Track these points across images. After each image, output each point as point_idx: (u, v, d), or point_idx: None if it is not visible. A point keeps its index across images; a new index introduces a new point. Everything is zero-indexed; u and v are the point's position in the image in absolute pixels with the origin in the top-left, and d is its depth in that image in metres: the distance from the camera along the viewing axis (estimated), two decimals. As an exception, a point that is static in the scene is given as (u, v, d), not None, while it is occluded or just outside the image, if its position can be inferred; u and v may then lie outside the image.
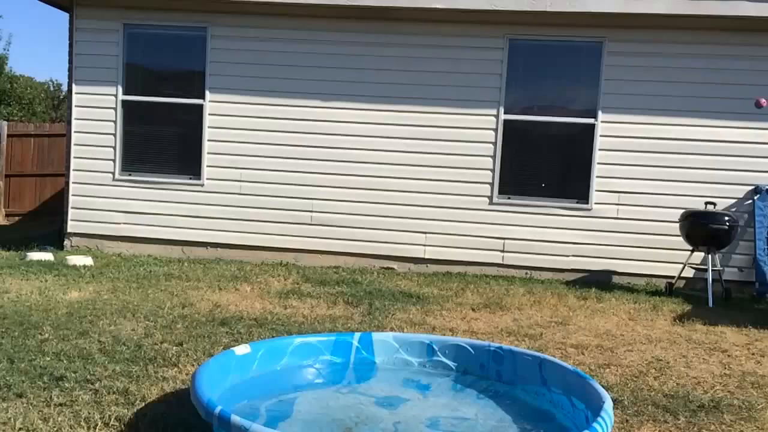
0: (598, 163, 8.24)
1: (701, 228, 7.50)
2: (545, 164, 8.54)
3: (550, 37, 8.30)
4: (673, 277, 7.83)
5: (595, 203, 8.28)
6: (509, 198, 8.42)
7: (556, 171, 8.55)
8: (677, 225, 7.73)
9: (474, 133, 8.40)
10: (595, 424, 2.78)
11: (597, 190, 8.27)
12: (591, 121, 8.25)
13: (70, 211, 8.98)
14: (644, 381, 4.36)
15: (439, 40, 8.40)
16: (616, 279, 8.24)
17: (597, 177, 8.26)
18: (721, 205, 7.99)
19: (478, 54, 8.36)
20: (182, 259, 8.57)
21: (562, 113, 8.41)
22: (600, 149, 8.23)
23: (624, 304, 6.87)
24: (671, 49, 8.11)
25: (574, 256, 8.32)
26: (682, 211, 7.72)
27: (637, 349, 5.16)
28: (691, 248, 7.67)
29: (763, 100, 6.23)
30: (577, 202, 8.33)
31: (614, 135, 8.20)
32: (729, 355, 5.09)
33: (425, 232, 8.54)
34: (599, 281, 8.11)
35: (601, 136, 8.22)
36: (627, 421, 3.65)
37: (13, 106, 23.61)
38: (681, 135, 8.13)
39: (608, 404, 3.03)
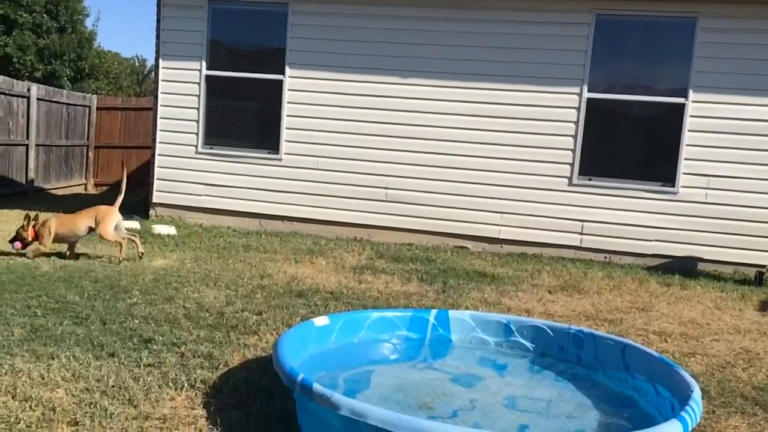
0: (687, 145, 7.88)
1: (797, 215, 7.08)
2: (629, 145, 8.24)
3: (640, 12, 7.94)
4: (763, 266, 7.44)
5: (682, 186, 7.94)
6: (590, 179, 8.18)
7: (640, 152, 8.24)
8: (770, 212, 7.33)
9: (555, 112, 8.18)
10: (683, 413, 2.67)
11: (684, 173, 7.92)
12: (681, 100, 7.87)
13: (155, 182, 9.32)
14: (732, 372, 4.18)
15: (521, 15, 8.19)
16: (701, 266, 7.90)
17: (685, 159, 7.90)
18: (821, 191, 7.52)
19: (562, 30, 8.10)
20: (260, 232, 8.77)
21: (649, 92, 8.06)
22: (689, 130, 7.86)
23: (710, 292, 6.59)
24: (772, 25, 7.63)
25: (657, 241, 8.02)
26: (777, 197, 7.30)
27: (724, 338, 4.95)
28: (784, 236, 7.27)
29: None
30: (663, 185, 8.01)
31: (706, 115, 7.81)
32: (825, 350, 4.81)
33: (501, 212, 8.42)
34: (683, 268, 7.80)
35: (691, 116, 7.85)
36: (713, 412, 3.51)
37: (101, 80, 24.62)
38: (778, 116, 7.68)
39: (697, 393, 2.91)
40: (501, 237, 8.45)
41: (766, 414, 3.52)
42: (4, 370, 3.43)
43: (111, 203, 6.57)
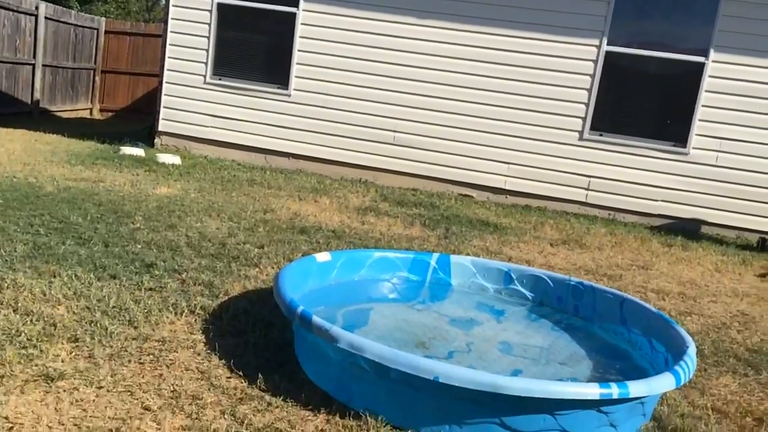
0: (703, 106, 7.75)
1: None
2: (644, 102, 8.10)
3: (667, -36, 7.70)
4: (767, 233, 7.42)
5: (693, 148, 7.85)
6: (601, 135, 8.08)
7: (654, 111, 8.11)
8: (780, 179, 7.27)
9: (571, 64, 8.02)
10: (677, 367, 2.70)
11: (697, 135, 7.82)
12: (701, 59, 7.70)
13: (162, 111, 9.22)
14: (726, 333, 4.21)
15: (545, -40, 7.94)
16: (704, 229, 7.88)
17: (699, 120, 7.79)
18: (833, 162, 7.43)
19: (585, -22, 7.87)
20: (265, 167, 8.74)
21: (670, 49, 7.85)
22: (707, 91, 7.72)
23: (711, 255, 6.59)
24: (802, -13, 7.39)
25: (663, 201, 7.98)
26: (788, 164, 7.23)
27: (722, 301, 4.96)
28: (791, 205, 7.22)
29: None
30: (674, 145, 7.91)
31: (725, 77, 7.66)
32: (822, 318, 4.83)
33: (508, 163, 8.36)
34: (686, 229, 7.79)
35: (709, 76, 7.69)
36: (705, 370, 3.55)
37: (110, 3, 24.14)
38: (799, 82, 7.52)
39: (692, 349, 2.93)
40: (506, 187, 8.41)
41: (757, 375, 3.55)
42: (6, 285, 3.46)
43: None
